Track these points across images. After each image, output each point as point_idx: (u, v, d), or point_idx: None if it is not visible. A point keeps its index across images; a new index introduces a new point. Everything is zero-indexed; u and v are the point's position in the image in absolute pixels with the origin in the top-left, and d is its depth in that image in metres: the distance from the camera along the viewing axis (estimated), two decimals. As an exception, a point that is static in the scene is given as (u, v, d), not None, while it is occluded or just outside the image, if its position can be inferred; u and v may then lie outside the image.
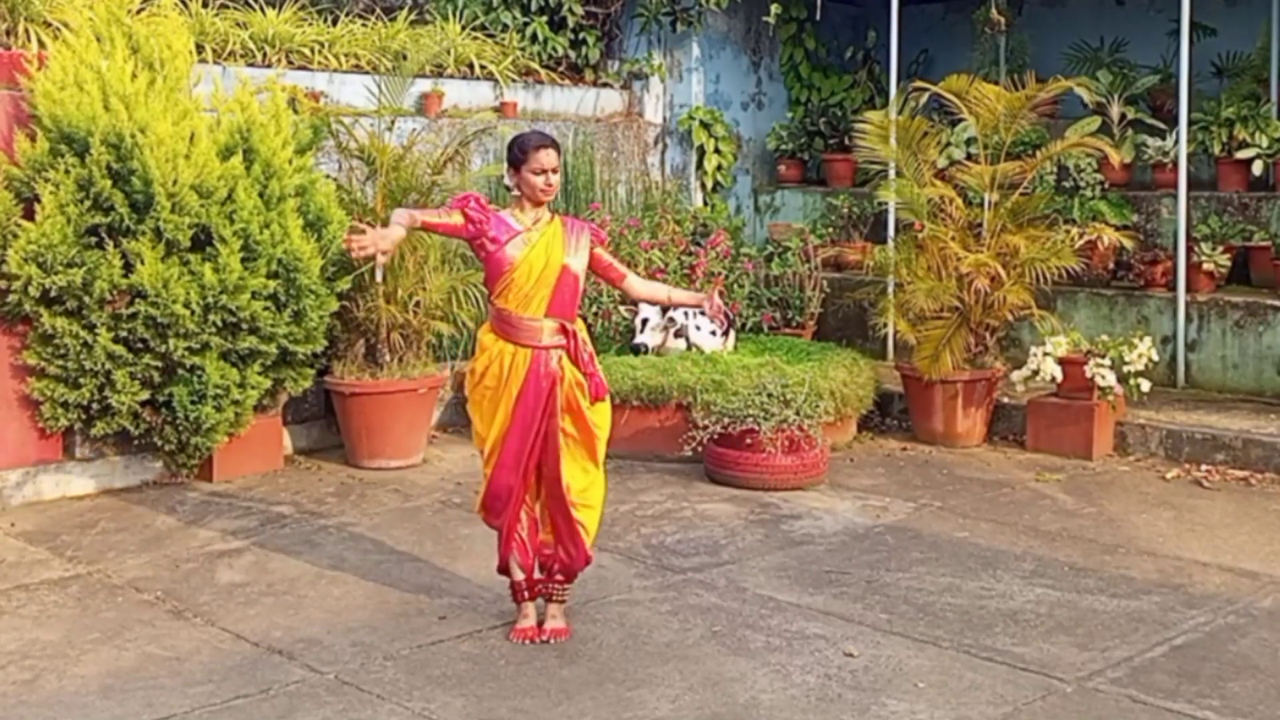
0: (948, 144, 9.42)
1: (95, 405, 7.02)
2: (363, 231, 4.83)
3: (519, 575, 5.17)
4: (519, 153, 5.01)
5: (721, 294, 5.21)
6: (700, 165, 10.72)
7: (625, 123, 10.54)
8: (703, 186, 10.78)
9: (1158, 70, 9.90)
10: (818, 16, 10.60)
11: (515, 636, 5.12)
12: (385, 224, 7.72)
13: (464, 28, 9.91)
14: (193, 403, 7.04)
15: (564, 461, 5.06)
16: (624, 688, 4.67)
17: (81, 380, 6.95)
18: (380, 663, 4.91)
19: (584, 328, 5.20)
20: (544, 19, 10.32)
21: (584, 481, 5.13)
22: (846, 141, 10.33)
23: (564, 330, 5.03)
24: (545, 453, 5.06)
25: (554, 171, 5.03)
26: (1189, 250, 8.73)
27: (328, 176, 7.88)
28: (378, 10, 10.24)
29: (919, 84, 8.90)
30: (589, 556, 5.21)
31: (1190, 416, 8.01)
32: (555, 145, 5.05)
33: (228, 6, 9.02)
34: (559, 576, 5.18)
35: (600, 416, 5.13)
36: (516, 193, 5.06)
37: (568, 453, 5.07)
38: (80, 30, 7.16)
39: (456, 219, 5.01)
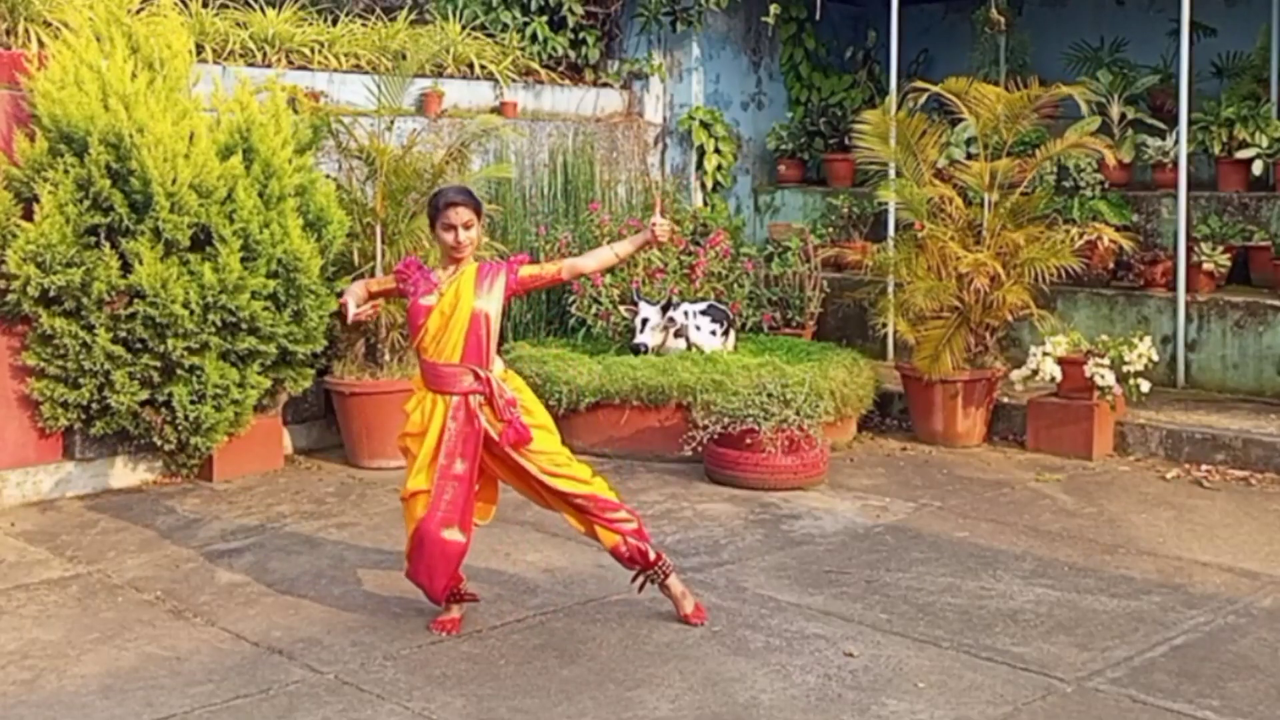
0: (947, 144, 9.41)
1: (95, 405, 7.02)
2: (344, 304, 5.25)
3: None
4: (433, 209, 5.16)
5: (663, 211, 5.26)
6: (700, 165, 10.71)
7: (625, 123, 10.53)
8: (703, 186, 10.78)
9: (1158, 70, 9.90)
10: (818, 16, 10.60)
11: (443, 629, 5.21)
12: (383, 225, 7.81)
13: (464, 28, 9.91)
14: (192, 403, 7.04)
15: (545, 471, 5.16)
16: (624, 688, 4.67)
17: (81, 380, 6.95)
18: (380, 663, 4.91)
19: (514, 377, 5.28)
20: (544, 19, 10.31)
21: (569, 472, 5.20)
22: (846, 141, 10.32)
23: (478, 376, 5.09)
24: (523, 481, 5.22)
25: (465, 227, 5.09)
26: (1189, 250, 8.73)
27: (328, 176, 7.87)
28: (378, 10, 10.23)
29: (919, 84, 8.90)
30: (634, 512, 5.28)
31: (1190, 416, 8.01)
32: (468, 202, 5.12)
33: (228, 6, 9.02)
34: (651, 556, 5.20)
35: (538, 445, 5.16)
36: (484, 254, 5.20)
37: (536, 470, 5.16)
38: (80, 30, 7.16)
39: (390, 282, 5.33)
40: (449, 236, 5.10)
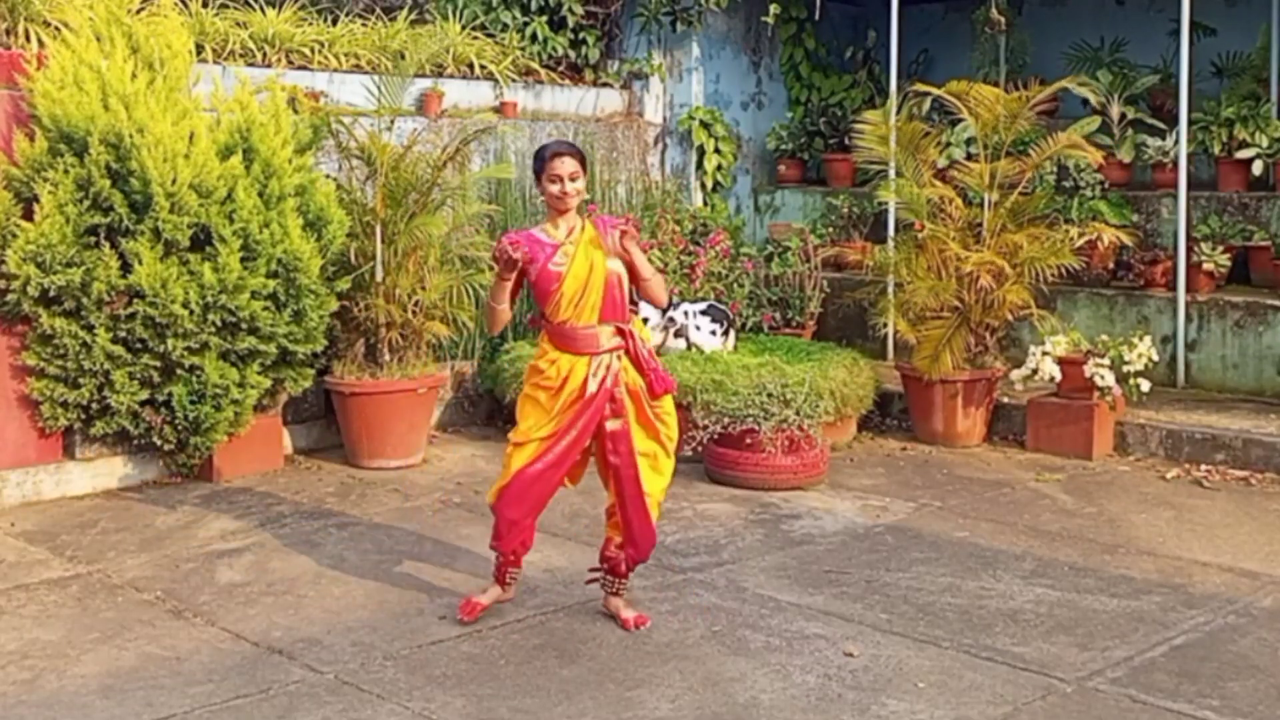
0: (948, 144, 9.42)
1: (95, 405, 7.02)
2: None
3: (509, 558, 5.27)
4: (538, 162, 5.12)
5: (635, 224, 5.22)
6: (700, 165, 10.71)
7: (625, 123, 10.53)
8: (703, 186, 10.78)
9: (1158, 70, 9.90)
10: (818, 16, 10.60)
11: (463, 612, 5.26)
12: (383, 225, 7.81)
13: (464, 27, 9.91)
14: (192, 402, 7.04)
15: (638, 459, 5.15)
16: (624, 688, 4.67)
17: (81, 380, 6.95)
18: (380, 663, 4.91)
19: (641, 325, 5.27)
20: (544, 19, 10.31)
21: (653, 472, 5.21)
22: (846, 141, 10.32)
23: (620, 332, 5.11)
24: (615, 452, 5.13)
25: (571, 178, 5.06)
26: (1189, 250, 8.73)
27: (328, 176, 7.87)
28: (378, 10, 10.23)
29: (920, 85, 8.91)
30: (654, 543, 5.30)
31: (1190, 416, 8.01)
32: (574, 152, 5.11)
33: (228, 6, 9.02)
34: (623, 570, 5.27)
35: (664, 409, 5.22)
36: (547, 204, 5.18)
37: (640, 442, 5.15)
38: (80, 30, 7.16)
39: (512, 271, 5.05)
40: (555, 187, 5.06)
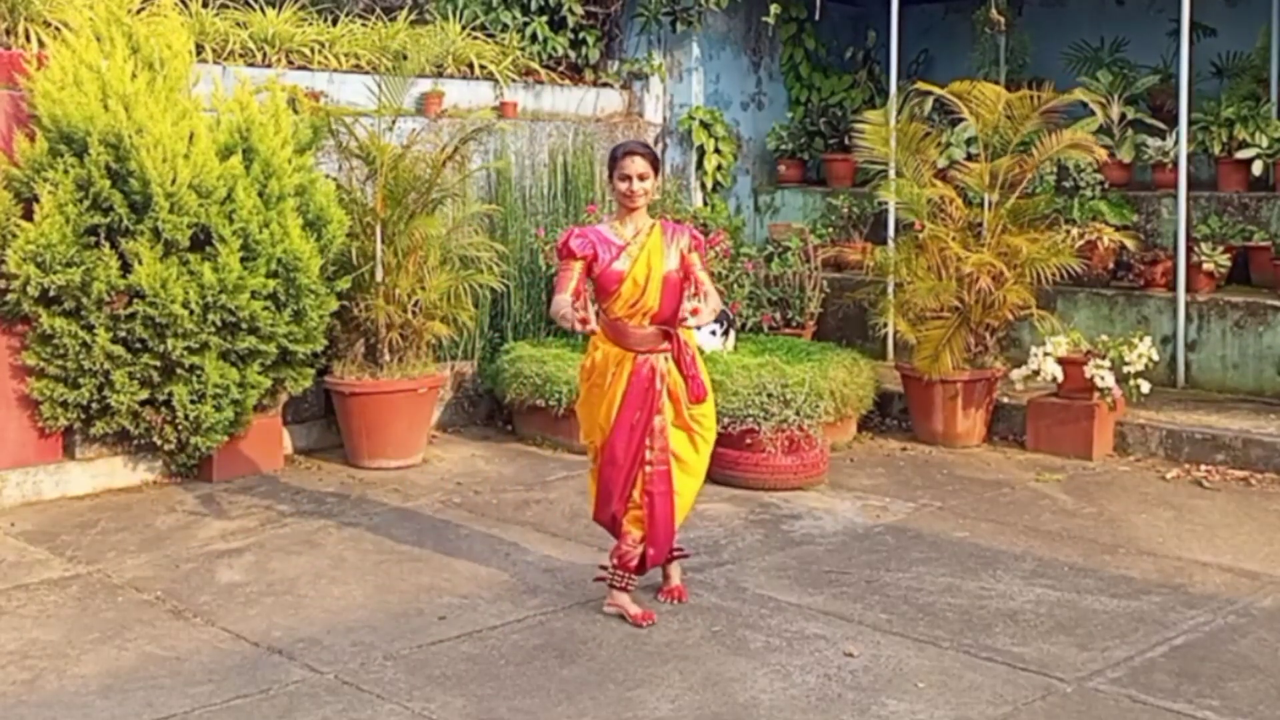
0: (948, 144, 9.42)
1: (95, 405, 7.02)
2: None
3: (634, 550, 5.29)
4: (610, 160, 5.31)
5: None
6: (700, 165, 10.71)
7: (625, 123, 10.53)
8: (703, 186, 10.77)
9: (1158, 70, 9.90)
10: (818, 16, 10.60)
11: (642, 620, 5.25)
12: (383, 224, 7.81)
13: (464, 28, 9.91)
14: (192, 402, 7.04)
15: (671, 458, 5.25)
16: (624, 688, 4.67)
17: (81, 380, 6.94)
18: (380, 663, 4.91)
19: (690, 333, 5.37)
20: (544, 19, 10.31)
21: (684, 474, 5.30)
22: (846, 141, 10.33)
23: (668, 336, 5.23)
24: (651, 448, 5.24)
25: (640, 178, 5.22)
26: (1189, 250, 8.73)
27: (327, 176, 7.87)
28: (378, 10, 10.23)
29: (921, 85, 8.90)
30: (665, 554, 5.37)
31: (1190, 416, 8.01)
32: (645, 153, 5.27)
33: (228, 6, 9.02)
34: (634, 565, 5.32)
35: (701, 413, 5.32)
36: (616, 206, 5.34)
37: (675, 442, 5.26)
38: (80, 30, 7.16)
39: (578, 268, 5.21)
40: (624, 185, 5.23)
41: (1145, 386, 7.80)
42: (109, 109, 6.89)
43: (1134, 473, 7.59)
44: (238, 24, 8.75)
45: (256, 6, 9.18)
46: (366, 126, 8.03)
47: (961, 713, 4.47)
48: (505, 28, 10.20)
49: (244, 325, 7.11)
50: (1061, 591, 5.62)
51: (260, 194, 7.19)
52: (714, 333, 8.42)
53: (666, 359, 5.25)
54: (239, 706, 4.54)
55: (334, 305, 7.57)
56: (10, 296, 6.85)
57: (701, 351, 8.18)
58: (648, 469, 5.23)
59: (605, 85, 10.67)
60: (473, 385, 8.86)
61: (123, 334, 6.93)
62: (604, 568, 5.43)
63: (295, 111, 7.80)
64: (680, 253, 5.26)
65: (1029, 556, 6.09)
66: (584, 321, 5.00)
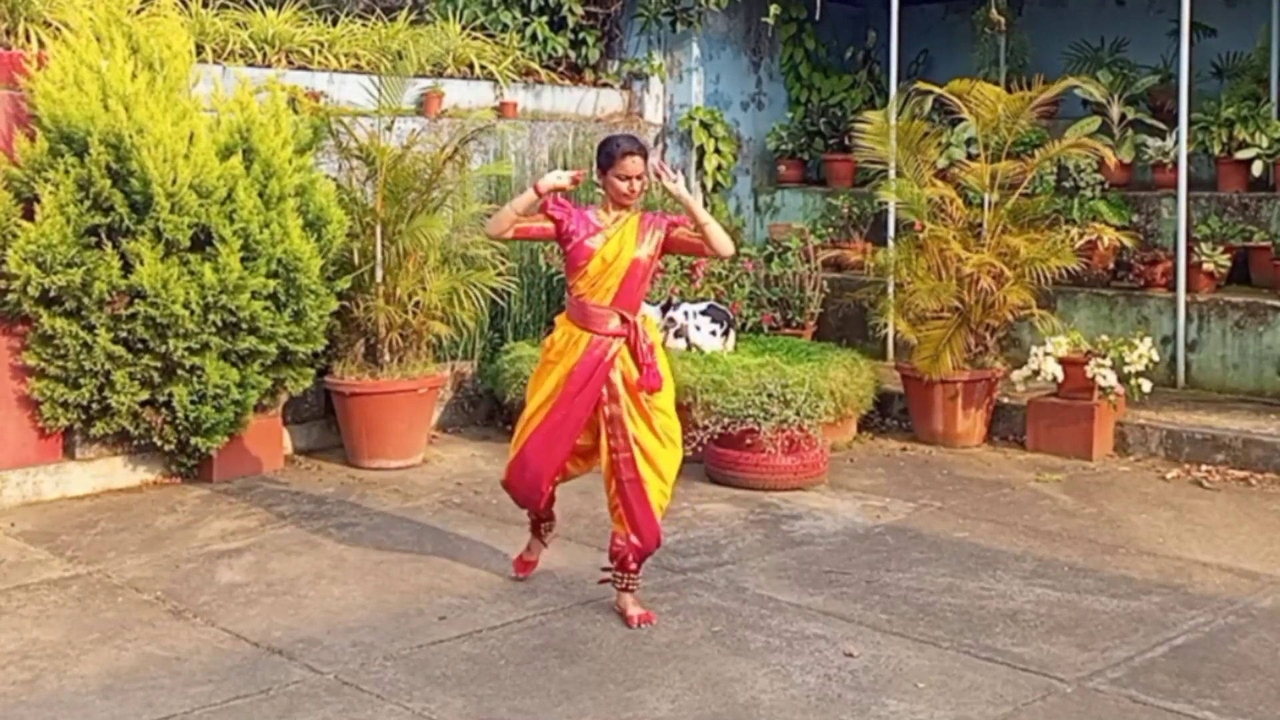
0: (948, 144, 9.41)
1: (95, 405, 7.02)
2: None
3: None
4: (605, 157, 5.31)
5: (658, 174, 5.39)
6: (700, 165, 10.71)
7: (625, 123, 10.53)
8: (703, 187, 10.77)
9: (1158, 70, 9.90)
10: (818, 16, 10.61)
11: (518, 570, 5.74)
12: (383, 224, 7.81)
13: (464, 28, 9.91)
14: (193, 403, 7.04)
15: (633, 445, 5.24)
16: (624, 688, 4.67)
17: (81, 380, 6.94)
18: (380, 663, 4.91)
19: (651, 324, 5.48)
20: (544, 19, 10.31)
21: (650, 461, 5.28)
22: (846, 141, 10.32)
23: (625, 320, 5.28)
24: (613, 436, 5.27)
25: (638, 178, 5.28)
26: (1189, 250, 8.73)
27: (328, 176, 7.87)
28: (378, 10, 10.23)
29: (921, 85, 8.90)
30: (660, 535, 5.34)
31: (1190, 416, 8.01)
32: (643, 152, 5.33)
33: (228, 6, 9.02)
34: (632, 566, 5.31)
35: (661, 401, 5.34)
36: (602, 193, 5.38)
37: (635, 429, 5.26)
38: (80, 30, 7.16)
39: (543, 221, 5.35)
40: (623, 185, 5.27)
41: (1146, 386, 7.80)
42: (109, 109, 6.89)
43: (1134, 473, 7.59)
44: (238, 24, 8.76)
45: (256, 6, 9.18)
46: (366, 127, 8.03)
47: (961, 713, 4.47)
48: (505, 28, 10.21)
49: (244, 325, 7.11)
50: (1061, 591, 5.62)
51: (260, 194, 7.19)
52: (714, 333, 8.42)
53: (620, 345, 5.29)
54: (239, 706, 4.54)
55: (334, 305, 7.57)
56: (11, 297, 6.85)
57: (699, 347, 8.24)
58: (613, 456, 5.26)
59: (605, 85, 10.67)
60: (473, 385, 8.86)
61: (123, 334, 6.93)
62: (606, 569, 5.43)
63: (295, 112, 7.81)
64: (656, 243, 5.35)
65: (1029, 556, 6.10)
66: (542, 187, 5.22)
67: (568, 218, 5.32)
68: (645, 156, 5.34)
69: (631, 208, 5.36)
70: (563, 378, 5.29)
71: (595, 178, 5.45)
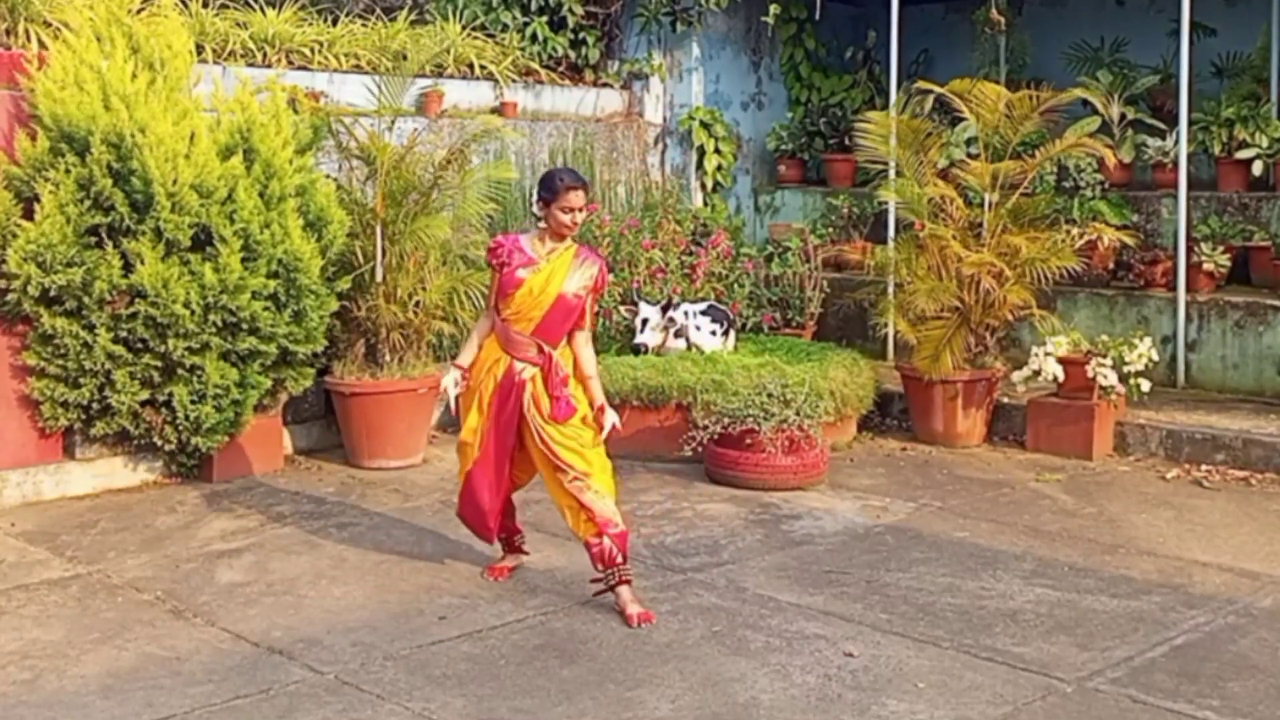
0: (948, 144, 9.41)
1: (95, 405, 7.02)
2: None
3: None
4: (549, 190, 5.38)
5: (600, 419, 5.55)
6: (700, 165, 10.72)
7: (625, 123, 10.54)
8: (703, 186, 10.78)
9: (1158, 70, 9.90)
10: (818, 16, 10.61)
11: (492, 574, 5.80)
12: (384, 225, 7.80)
13: (464, 28, 9.91)
14: (193, 402, 7.04)
15: (555, 446, 5.39)
16: (624, 688, 4.67)
17: (81, 380, 6.95)
18: (380, 663, 4.91)
19: (568, 357, 5.51)
20: (544, 19, 10.32)
21: (585, 449, 5.42)
22: (847, 141, 10.33)
23: (542, 351, 5.41)
24: (545, 445, 5.41)
25: (580, 210, 5.38)
26: (1189, 250, 8.73)
27: (328, 176, 7.88)
28: (378, 10, 10.23)
29: (922, 84, 8.90)
30: (622, 528, 5.37)
31: (1190, 416, 8.01)
32: (585, 186, 5.45)
33: (228, 6, 9.02)
34: (619, 560, 5.34)
35: (564, 434, 5.40)
36: (542, 224, 5.45)
37: (560, 436, 5.41)
38: (80, 30, 7.16)
39: (495, 277, 5.50)
40: (566, 218, 5.37)
41: (1146, 386, 7.80)
42: (110, 109, 6.90)
43: (1134, 473, 7.59)
44: (238, 24, 8.76)
45: (256, 6, 9.19)
46: (367, 127, 8.03)
47: (961, 713, 4.47)
48: (505, 28, 10.21)
49: (244, 325, 7.11)
50: (1061, 591, 5.63)
51: (261, 194, 7.19)
52: (714, 333, 8.43)
53: (535, 374, 5.40)
54: (239, 706, 4.54)
55: (334, 305, 7.57)
56: (11, 296, 6.85)
57: (699, 347, 8.24)
58: (554, 462, 5.37)
59: (605, 85, 10.67)
60: (473, 385, 8.84)
61: (124, 334, 6.93)
62: (596, 579, 5.42)
63: (295, 112, 7.81)
64: (589, 278, 5.46)
65: (1029, 556, 6.10)
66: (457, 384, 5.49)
67: (503, 250, 5.44)
68: (587, 190, 5.46)
69: (568, 239, 5.46)
70: (489, 399, 5.44)
71: (535, 209, 5.50)
